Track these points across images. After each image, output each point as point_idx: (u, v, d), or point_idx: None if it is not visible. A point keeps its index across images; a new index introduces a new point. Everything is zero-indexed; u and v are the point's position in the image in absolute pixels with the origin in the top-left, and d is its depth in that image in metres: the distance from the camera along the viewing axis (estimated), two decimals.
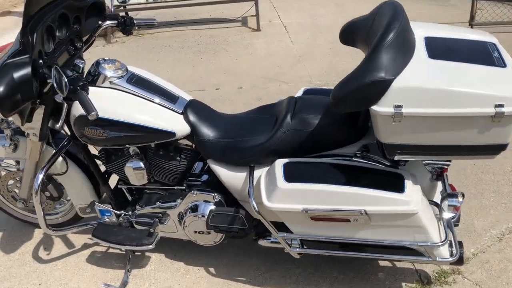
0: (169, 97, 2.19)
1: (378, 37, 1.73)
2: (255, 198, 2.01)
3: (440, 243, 1.90)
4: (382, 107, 1.66)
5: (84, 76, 2.15)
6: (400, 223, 1.87)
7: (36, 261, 2.56)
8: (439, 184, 2.16)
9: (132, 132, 2.07)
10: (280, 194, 1.91)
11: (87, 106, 1.83)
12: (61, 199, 2.57)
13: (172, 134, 2.10)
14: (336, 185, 1.87)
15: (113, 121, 2.06)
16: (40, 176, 2.16)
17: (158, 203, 2.35)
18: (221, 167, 2.15)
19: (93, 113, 1.81)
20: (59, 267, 2.51)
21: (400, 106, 1.65)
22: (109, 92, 2.11)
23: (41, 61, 1.94)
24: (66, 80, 1.84)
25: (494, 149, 1.74)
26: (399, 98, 1.64)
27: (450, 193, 1.98)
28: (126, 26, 2.33)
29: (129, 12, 6.58)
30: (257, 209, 1.99)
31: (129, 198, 2.42)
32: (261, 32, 6.36)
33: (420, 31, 1.92)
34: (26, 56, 1.84)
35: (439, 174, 2.06)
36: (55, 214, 2.67)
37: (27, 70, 1.81)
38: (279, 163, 2.00)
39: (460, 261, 1.96)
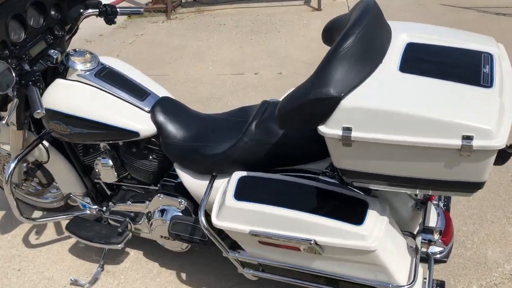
0: (139, 93, 2.05)
1: (333, 45, 1.44)
2: (209, 210, 1.83)
3: (405, 285, 1.60)
4: (329, 128, 1.39)
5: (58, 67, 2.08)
6: (356, 258, 1.59)
7: (24, 245, 2.59)
8: (434, 212, 1.84)
9: (94, 130, 1.97)
10: (227, 212, 1.71)
11: (33, 102, 1.75)
12: (54, 184, 2.56)
13: (136, 133, 1.96)
14: (288, 208, 1.63)
15: (75, 117, 1.96)
16: (12, 165, 2.14)
17: (129, 202, 2.25)
18: (185, 172, 1.98)
19: (38, 110, 1.73)
20: (42, 253, 2.53)
21: (349, 129, 1.36)
22: (74, 85, 2.01)
23: (6, 51, 1.88)
24: (14, 75, 1.76)
25: (467, 187, 1.39)
26: (348, 119, 1.35)
27: (425, 228, 1.67)
28: (108, 15, 2.20)
29: None
30: (204, 224, 1.81)
31: (108, 193, 2.35)
32: (322, 11, 6.01)
33: (404, 36, 1.59)
34: None
35: (423, 202, 1.74)
36: (47, 199, 2.68)
37: None
38: (235, 176, 1.79)
39: None
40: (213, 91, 4.11)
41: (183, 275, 2.31)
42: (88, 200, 2.35)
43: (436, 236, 1.62)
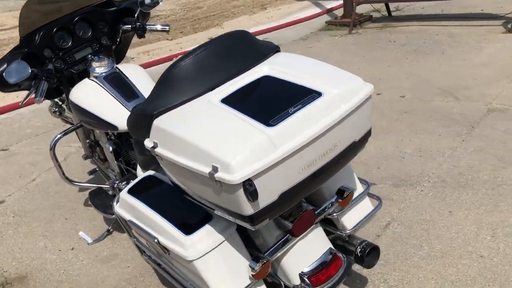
0: (130, 96, 2.31)
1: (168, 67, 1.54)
2: None
3: None
4: (147, 142, 1.52)
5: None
6: (185, 264, 1.61)
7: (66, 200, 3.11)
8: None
9: (89, 118, 2.37)
10: (121, 201, 1.90)
11: (38, 92, 2.24)
12: None
13: (115, 127, 2.29)
14: (153, 210, 1.73)
15: (77, 106, 2.40)
16: (57, 136, 2.67)
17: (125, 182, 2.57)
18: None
19: (36, 98, 2.22)
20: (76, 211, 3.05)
21: (155, 145, 1.47)
22: (87, 83, 2.44)
23: (52, 54, 2.42)
24: (29, 70, 2.25)
25: (240, 218, 1.35)
26: (156, 136, 1.48)
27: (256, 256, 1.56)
28: (138, 31, 2.56)
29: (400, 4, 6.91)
30: (114, 206, 1.99)
31: (124, 174, 2.73)
32: None
33: (266, 68, 1.58)
34: (23, 50, 2.35)
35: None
36: None
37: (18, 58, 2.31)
38: (144, 174, 1.95)
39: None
40: None
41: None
42: (111, 177, 2.76)
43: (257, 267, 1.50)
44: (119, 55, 2.68)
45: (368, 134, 1.56)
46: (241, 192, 1.26)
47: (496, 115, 3.42)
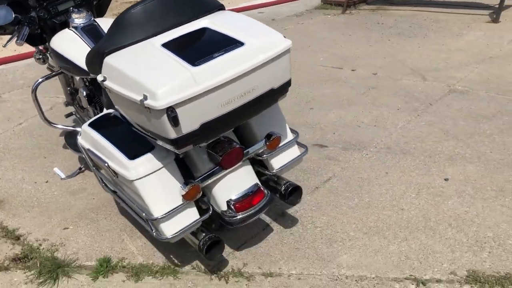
0: None
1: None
2: None
3: (154, 217, 1.79)
4: (99, 76, 1.79)
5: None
6: (129, 185, 1.88)
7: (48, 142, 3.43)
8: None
9: (66, 64, 2.63)
10: (82, 133, 2.16)
11: (19, 35, 2.50)
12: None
13: (88, 72, 2.55)
14: (106, 139, 2.00)
15: (56, 52, 2.66)
16: (39, 81, 2.91)
17: None
18: None
19: (17, 41, 2.48)
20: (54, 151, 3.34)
21: (105, 78, 1.73)
22: (66, 32, 2.70)
23: (36, 4, 2.66)
24: (13, 15, 2.51)
25: (167, 142, 1.62)
26: (106, 71, 1.75)
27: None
28: None
29: None
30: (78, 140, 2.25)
31: None
32: (497, 25, 5.40)
33: (206, 21, 1.83)
34: None
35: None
36: None
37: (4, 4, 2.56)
38: (105, 111, 2.21)
39: (206, 252, 1.88)
40: (299, 78, 4.31)
41: None
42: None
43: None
44: (100, 11, 2.92)
45: (287, 84, 1.81)
46: (165, 117, 1.53)
47: (455, 96, 3.65)
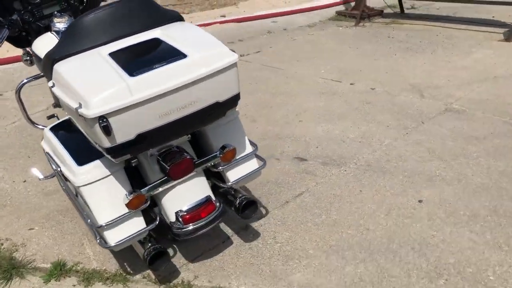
0: None
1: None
2: None
3: (98, 225, 1.79)
4: (50, 82, 1.82)
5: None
6: (77, 191, 1.89)
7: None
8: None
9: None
10: (45, 136, 2.19)
11: None
12: None
13: None
14: (60, 143, 2.02)
15: (36, 55, 2.70)
16: (23, 81, 2.98)
17: None
18: None
19: None
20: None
21: (53, 85, 1.76)
22: (47, 36, 2.74)
23: (21, 7, 2.73)
24: (1, 19, 2.59)
25: (103, 150, 1.64)
26: (55, 77, 1.78)
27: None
28: None
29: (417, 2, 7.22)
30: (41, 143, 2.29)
31: None
32: (509, 43, 5.27)
33: (158, 32, 1.84)
34: None
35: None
36: None
37: None
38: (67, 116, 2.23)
39: (150, 262, 1.86)
40: (295, 89, 4.28)
41: None
42: None
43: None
44: None
45: (235, 98, 1.78)
46: (97, 126, 1.53)
47: (450, 115, 3.56)
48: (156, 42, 1.78)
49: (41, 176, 2.75)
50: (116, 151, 1.59)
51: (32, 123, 2.96)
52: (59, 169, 1.94)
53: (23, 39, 2.85)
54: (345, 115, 3.63)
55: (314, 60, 5.06)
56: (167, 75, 1.59)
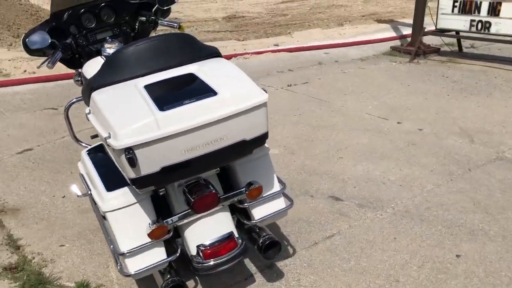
0: None
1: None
2: None
3: (121, 252, 1.81)
4: (86, 109, 1.88)
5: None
6: (104, 217, 1.92)
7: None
8: None
9: None
10: (81, 159, 2.26)
11: (51, 59, 2.69)
12: None
13: None
14: (94, 167, 2.08)
15: (86, 78, 2.81)
16: (72, 101, 3.10)
17: None
18: None
19: (48, 64, 2.67)
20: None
21: (89, 112, 1.83)
22: (96, 60, 2.84)
23: (76, 31, 2.88)
24: (49, 40, 2.72)
25: (129, 180, 1.67)
26: (91, 105, 1.82)
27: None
28: (150, 23, 2.93)
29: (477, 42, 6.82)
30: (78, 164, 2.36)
31: None
32: None
33: (194, 67, 1.87)
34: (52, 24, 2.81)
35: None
36: None
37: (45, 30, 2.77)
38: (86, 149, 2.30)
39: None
40: (340, 124, 4.22)
41: None
42: None
43: None
44: None
45: (262, 137, 1.76)
46: (123, 157, 1.55)
47: (501, 164, 3.38)
48: (191, 77, 1.80)
49: (79, 193, 2.83)
50: (141, 182, 1.61)
51: (77, 140, 3.07)
52: (89, 192, 1.98)
53: (75, 61, 2.97)
54: (388, 155, 3.52)
55: (362, 95, 4.99)
56: (195, 112, 1.60)
